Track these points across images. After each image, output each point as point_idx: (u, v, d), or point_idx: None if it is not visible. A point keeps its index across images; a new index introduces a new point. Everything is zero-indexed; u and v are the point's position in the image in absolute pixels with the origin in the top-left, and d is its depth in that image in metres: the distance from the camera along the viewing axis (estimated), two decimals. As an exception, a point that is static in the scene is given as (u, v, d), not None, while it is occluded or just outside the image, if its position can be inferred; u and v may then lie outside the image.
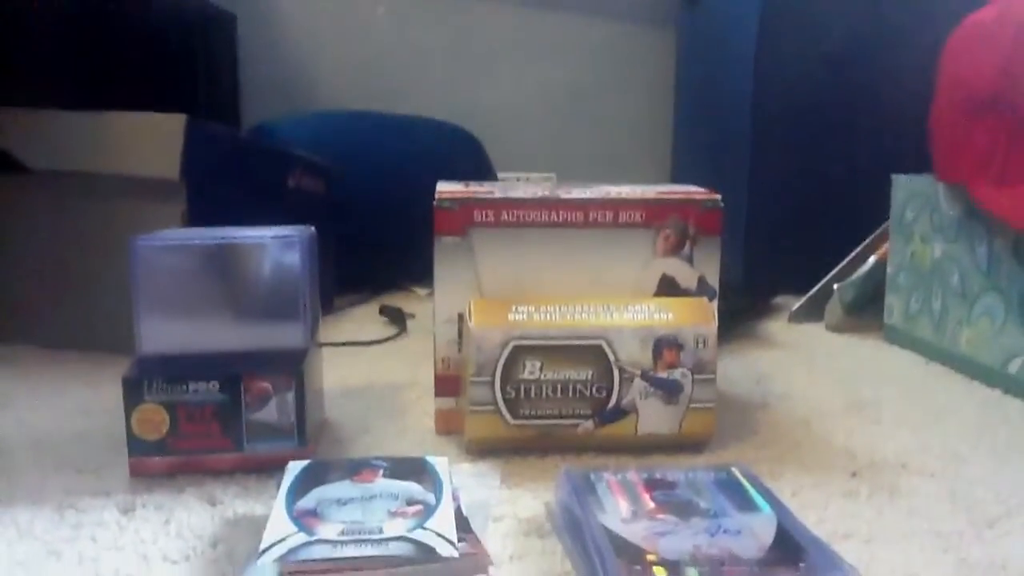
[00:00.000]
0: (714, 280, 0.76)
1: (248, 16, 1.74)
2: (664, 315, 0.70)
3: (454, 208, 0.72)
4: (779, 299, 1.31)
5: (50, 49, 1.34)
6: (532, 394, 0.68)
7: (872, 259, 1.17)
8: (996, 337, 0.91)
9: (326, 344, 1.06)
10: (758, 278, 1.31)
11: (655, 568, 0.48)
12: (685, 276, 0.75)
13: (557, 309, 0.70)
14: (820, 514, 0.61)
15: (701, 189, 0.79)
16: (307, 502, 0.54)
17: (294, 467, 0.59)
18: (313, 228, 0.75)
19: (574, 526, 0.55)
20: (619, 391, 0.69)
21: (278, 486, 0.56)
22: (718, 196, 0.75)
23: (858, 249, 1.21)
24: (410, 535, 0.50)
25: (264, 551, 0.48)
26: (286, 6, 1.77)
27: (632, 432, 0.70)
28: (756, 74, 1.34)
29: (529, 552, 0.55)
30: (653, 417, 0.70)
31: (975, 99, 0.92)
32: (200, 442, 0.65)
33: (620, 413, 0.70)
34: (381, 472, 0.58)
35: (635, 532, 0.51)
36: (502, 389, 0.68)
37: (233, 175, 1.04)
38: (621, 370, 0.69)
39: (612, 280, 0.75)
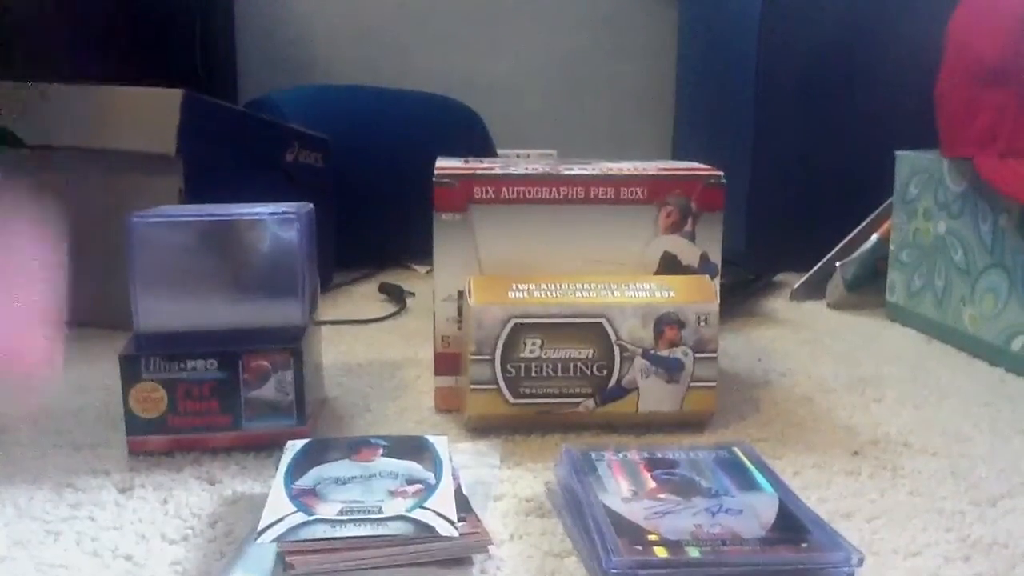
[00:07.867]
0: (716, 257, 0.75)
1: (245, -11, 1.72)
2: (665, 293, 0.70)
3: (454, 185, 0.72)
4: (781, 276, 1.31)
5: (44, 22, 1.33)
6: (533, 372, 0.68)
7: (874, 236, 1.16)
8: (999, 315, 0.90)
9: (325, 322, 1.05)
10: (760, 255, 1.30)
11: (656, 548, 0.47)
12: (687, 253, 0.75)
13: (558, 287, 0.69)
14: (822, 493, 0.60)
15: (703, 165, 0.78)
16: (306, 481, 0.53)
17: (293, 446, 0.59)
18: (311, 204, 0.74)
19: (575, 505, 0.55)
20: (620, 369, 0.69)
21: (277, 465, 0.56)
22: (721, 173, 0.74)
23: (861, 226, 1.20)
24: (410, 515, 0.49)
25: (263, 531, 0.48)
26: (283, -21, 1.75)
27: (633, 410, 0.70)
28: (760, 48, 1.32)
29: (529, 531, 0.54)
30: (654, 395, 0.69)
31: (982, 70, 0.91)
32: (198, 420, 0.64)
33: (621, 391, 0.69)
34: (381, 451, 0.58)
35: (636, 511, 0.51)
36: (502, 367, 0.68)
37: (230, 150, 1.03)
38: (622, 348, 0.68)
39: (613, 257, 0.74)
